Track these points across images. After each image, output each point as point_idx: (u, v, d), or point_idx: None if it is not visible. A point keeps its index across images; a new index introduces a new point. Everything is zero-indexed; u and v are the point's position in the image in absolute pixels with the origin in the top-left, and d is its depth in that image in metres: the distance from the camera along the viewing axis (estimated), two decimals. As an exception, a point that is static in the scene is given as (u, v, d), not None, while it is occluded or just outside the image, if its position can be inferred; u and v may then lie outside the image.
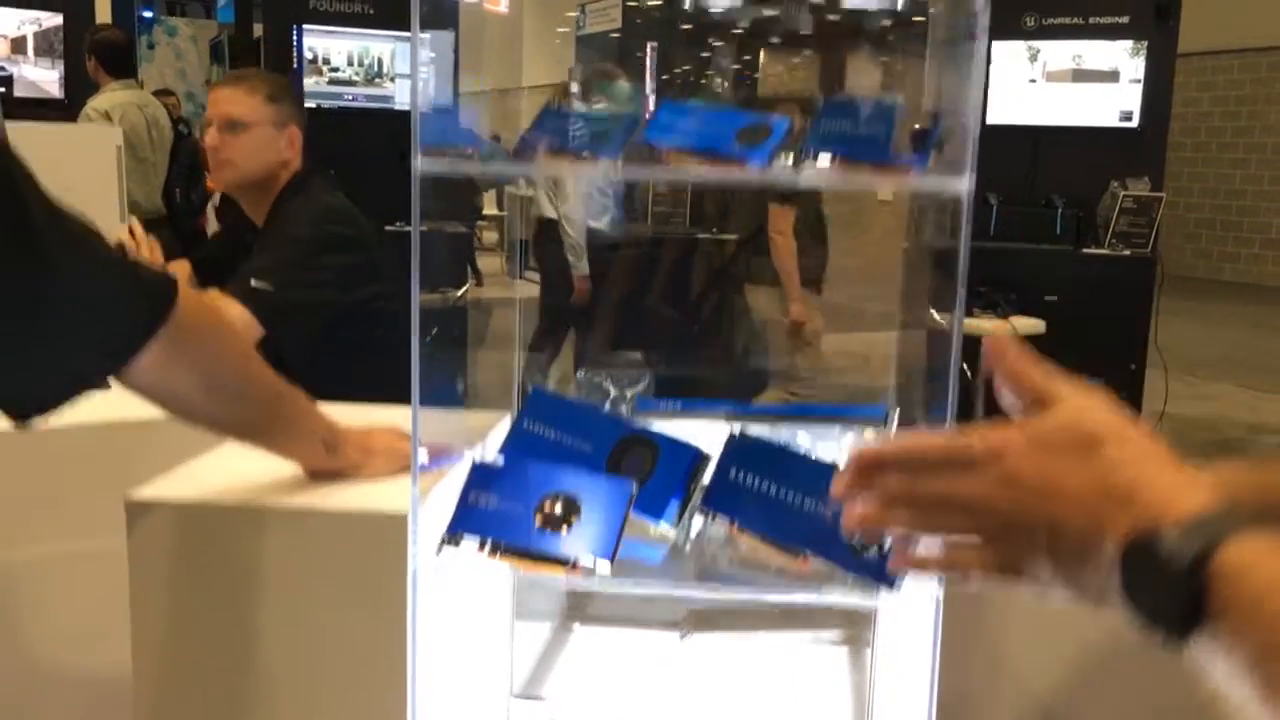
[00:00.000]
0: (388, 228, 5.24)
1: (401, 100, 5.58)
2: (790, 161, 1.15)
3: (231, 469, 1.20)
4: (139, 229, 2.34)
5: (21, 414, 0.93)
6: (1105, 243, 5.13)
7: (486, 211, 12.40)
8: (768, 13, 1.14)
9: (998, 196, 5.28)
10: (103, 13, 5.45)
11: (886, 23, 1.22)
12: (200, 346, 1.03)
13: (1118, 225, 5.10)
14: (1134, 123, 5.22)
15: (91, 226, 0.95)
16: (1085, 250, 5.15)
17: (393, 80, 5.59)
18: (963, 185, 1.00)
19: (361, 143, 5.26)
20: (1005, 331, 4.75)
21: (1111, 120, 5.25)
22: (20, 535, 1.51)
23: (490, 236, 13.26)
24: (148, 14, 17.77)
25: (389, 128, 5.18)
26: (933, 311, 1.27)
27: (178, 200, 4.98)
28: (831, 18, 1.13)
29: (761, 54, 1.40)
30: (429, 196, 1.17)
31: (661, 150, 1.25)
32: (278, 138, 2.32)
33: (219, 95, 2.35)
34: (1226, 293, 11.19)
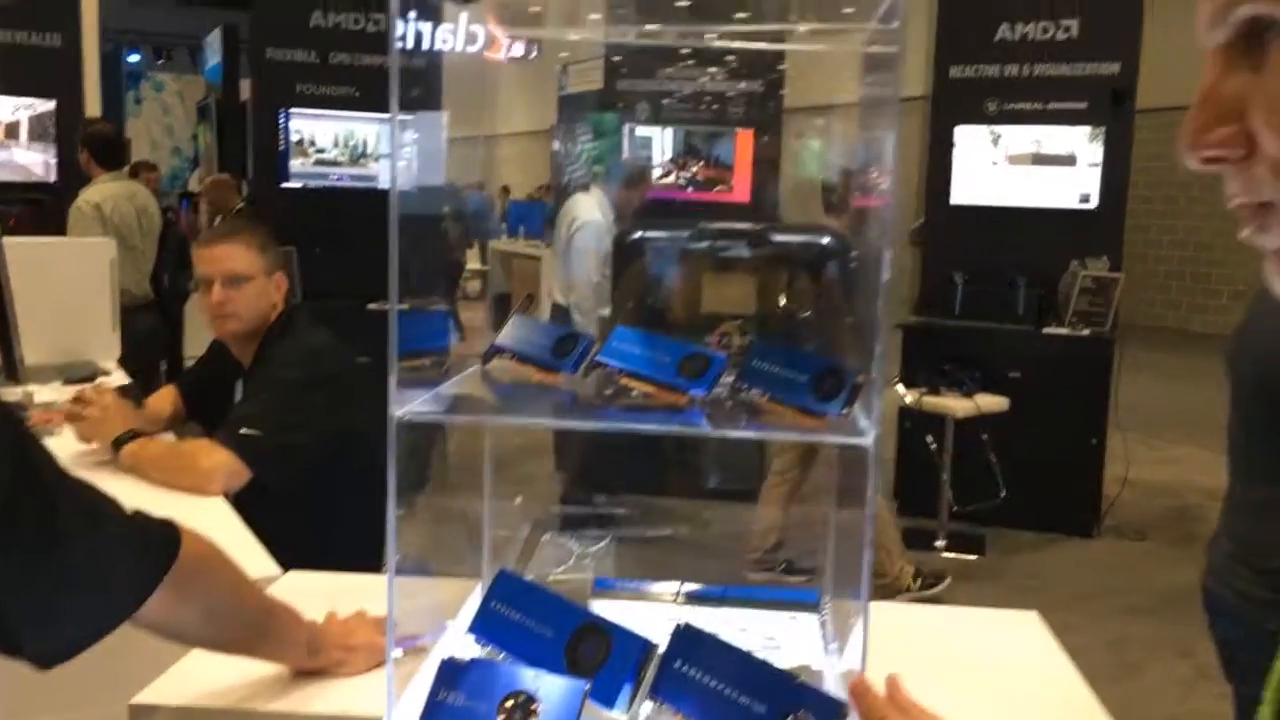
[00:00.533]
0: (370, 306, 5.41)
1: (386, 179, 5.73)
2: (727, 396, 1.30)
3: (225, 667, 1.33)
4: (96, 395, 2.47)
5: (45, 663, 1.06)
6: (1066, 321, 5.31)
7: (471, 265, 12.55)
8: (711, 239, 1.27)
9: (963, 276, 5.47)
10: (92, 96, 5.60)
11: (813, 254, 1.37)
12: (200, 585, 1.16)
13: (1077, 304, 5.29)
14: (1092, 204, 5.42)
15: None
16: (1046, 329, 5.33)
17: (377, 160, 5.75)
18: (868, 440, 1.15)
19: (346, 222, 5.41)
20: (970, 410, 4.91)
21: (1071, 202, 5.45)
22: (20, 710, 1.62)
23: (473, 286, 13.43)
24: (134, 58, 17.98)
25: (374, 207, 5.34)
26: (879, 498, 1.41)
27: (165, 285, 5.12)
28: (765, 249, 1.27)
29: (704, 277, 1.52)
30: (409, 276, 1.27)
31: (612, 372, 1.40)
32: (269, 285, 2.48)
33: (217, 252, 2.48)
34: (1194, 344, 11.42)
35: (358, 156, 5.71)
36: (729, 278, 1.44)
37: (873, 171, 1.36)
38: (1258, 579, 1.86)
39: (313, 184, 5.62)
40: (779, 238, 1.38)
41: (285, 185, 5.66)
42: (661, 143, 5.98)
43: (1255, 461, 1.97)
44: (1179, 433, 7.29)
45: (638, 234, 1.37)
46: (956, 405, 4.94)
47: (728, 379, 1.29)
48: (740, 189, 5.75)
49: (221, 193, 7.31)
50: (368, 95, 5.70)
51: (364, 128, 5.70)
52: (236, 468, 2.23)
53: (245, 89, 13.61)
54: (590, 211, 4.69)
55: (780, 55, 5.41)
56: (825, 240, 1.35)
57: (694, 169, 5.64)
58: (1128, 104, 5.30)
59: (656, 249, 1.40)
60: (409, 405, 1.27)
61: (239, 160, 11.17)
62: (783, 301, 1.44)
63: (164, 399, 2.79)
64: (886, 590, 4.32)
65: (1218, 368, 2.14)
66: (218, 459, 2.22)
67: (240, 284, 2.44)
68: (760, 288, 1.42)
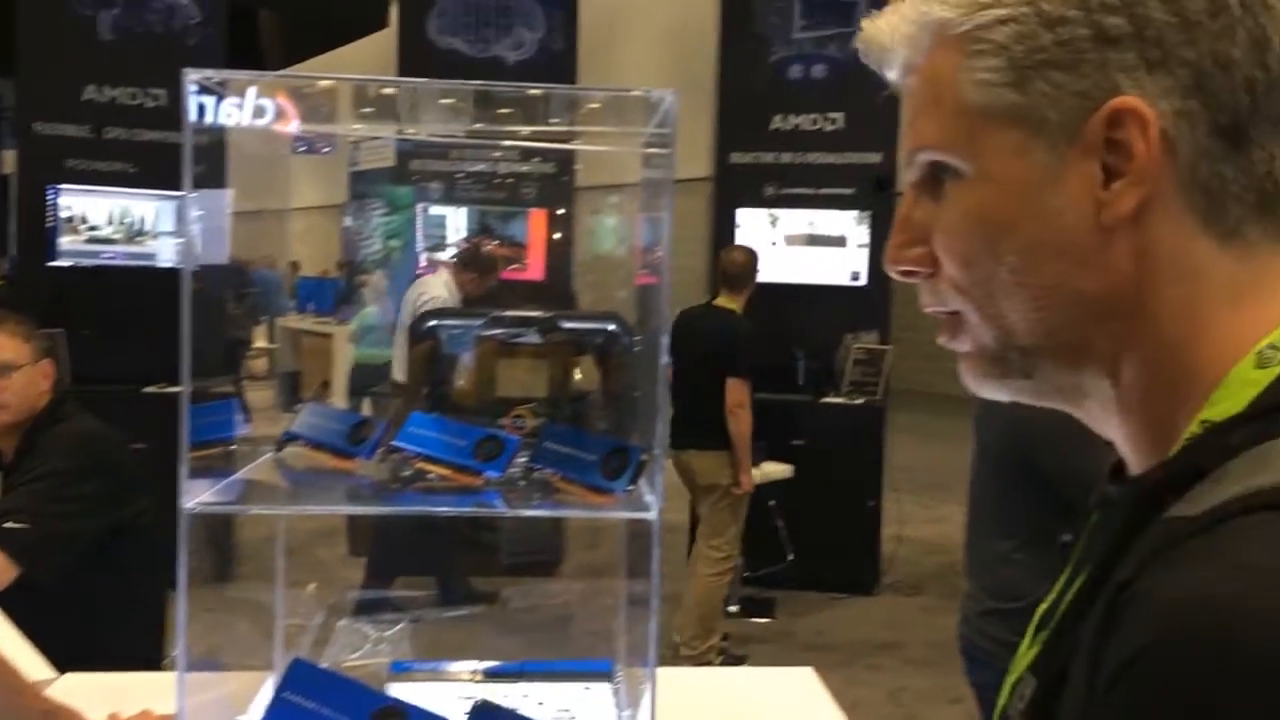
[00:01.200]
0: (146, 389, 5.17)
1: (164, 257, 5.53)
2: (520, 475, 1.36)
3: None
4: None
5: None
6: (842, 391, 5.66)
7: (257, 344, 12.13)
8: (504, 325, 1.33)
9: (747, 349, 5.75)
10: None
11: (599, 340, 1.46)
12: None
13: (852, 375, 5.65)
14: (862, 281, 5.82)
15: None
16: (824, 399, 5.66)
17: (155, 238, 5.53)
18: (652, 514, 1.24)
19: (120, 302, 5.18)
20: (756, 478, 5.14)
21: (843, 279, 5.84)
22: None
23: (259, 365, 12.96)
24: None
25: (152, 285, 5.13)
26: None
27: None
28: (555, 335, 1.34)
29: (497, 362, 1.56)
30: (196, 356, 1.27)
31: (409, 457, 1.43)
32: (37, 372, 2.38)
33: None
34: (960, 408, 12.30)
35: (134, 234, 5.48)
36: (521, 362, 1.51)
37: (655, 251, 1.47)
38: (1004, 624, 2.06)
39: (84, 262, 5.35)
40: (567, 325, 1.46)
41: (53, 264, 5.37)
42: (455, 221, 6.04)
43: (999, 516, 2.19)
44: (946, 492, 7.81)
45: (431, 321, 1.41)
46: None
47: (521, 460, 1.36)
48: (535, 267, 5.86)
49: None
50: (146, 171, 5.50)
51: (141, 204, 5.49)
52: (2, 564, 2.11)
53: (4, 161, 12.85)
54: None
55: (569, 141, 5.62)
56: (610, 326, 1.44)
57: (488, 248, 5.71)
58: (889, 190, 5.75)
59: (450, 333, 1.45)
60: (200, 496, 1.27)
61: (-1, 235, 10.41)
62: (572, 385, 1.52)
63: None
64: (694, 662, 4.44)
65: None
66: None
67: (9, 373, 2.33)
68: (550, 372, 1.50)
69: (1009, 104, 0.59)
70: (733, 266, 4.65)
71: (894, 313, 5.98)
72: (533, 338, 1.48)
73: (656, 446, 1.19)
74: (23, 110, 5.56)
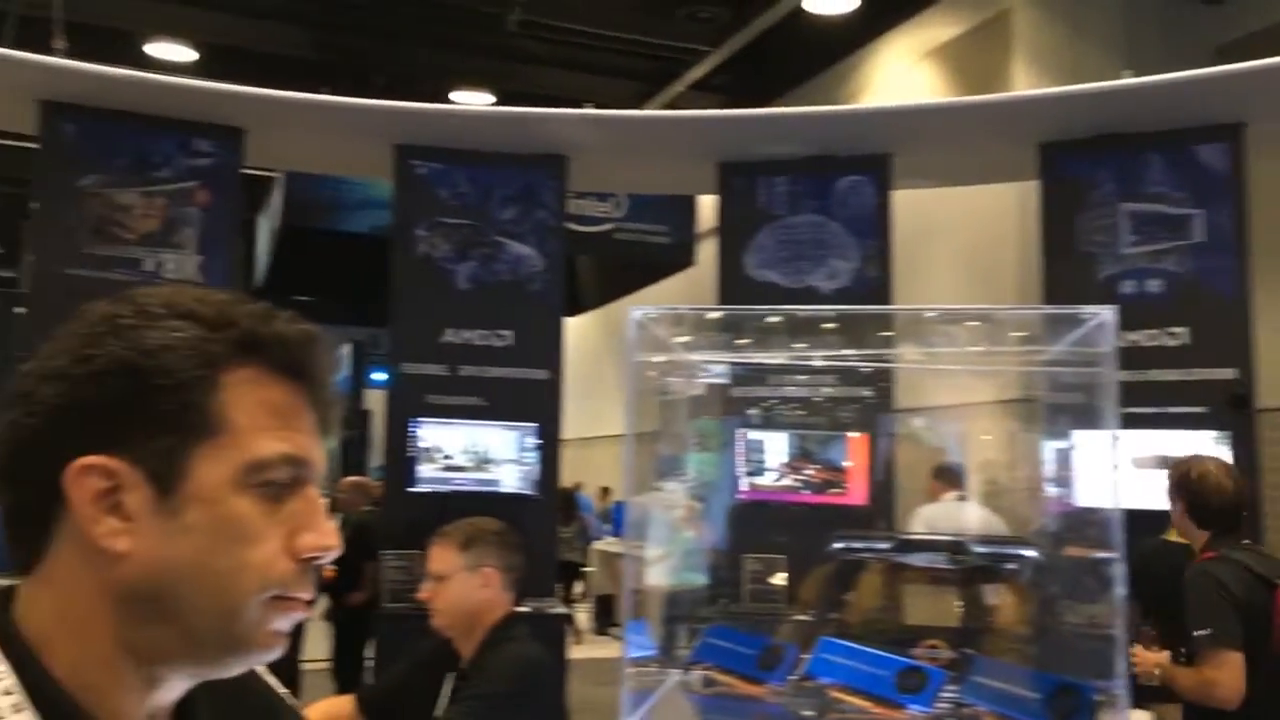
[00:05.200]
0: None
1: (506, 484, 5.91)
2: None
3: None
4: None
5: None
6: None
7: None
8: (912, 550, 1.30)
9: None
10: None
11: (1012, 565, 1.38)
12: None
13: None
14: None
15: None
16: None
17: (499, 465, 5.94)
18: (1118, 763, 1.12)
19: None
20: None
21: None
22: None
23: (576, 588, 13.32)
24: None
25: (498, 510, 5.46)
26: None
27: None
28: (965, 557, 1.29)
29: (905, 589, 1.54)
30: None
31: (824, 686, 1.39)
32: (471, 580, 2.58)
33: (430, 553, 2.67)
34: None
35: (482, 462, 5.92)
36: (930, 590, 1.45)
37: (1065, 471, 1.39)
38: None
39: (439, 488, 5.81)
40: (981, 549, 1.40)
41: (411, 489, 5.86)
42: (774, 446, 6.10)
43: None
44: None
45: (838, 543, 1.39)
46: None
47: (949, 693, 1.28)
48: (856, 491, 5.77)
49: (358, 493, 7.71)
50: (494, 404, 5.99)
51: (488, 434, 5.94)
52: None
53: (365, 399, 14.50)
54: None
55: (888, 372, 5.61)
56: (1028, 551, 1.36)
57: (809, 472, 5.71)
58: (1246, 407, 5.30)
59: (854, 555, 1.42)
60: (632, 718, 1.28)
61: (357, 463, 11.64)
62: (986, 614, 1.44)
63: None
64: None
65: None
66: None
67: (440, 582, 2.56)
68: (964, 600, 1.43)
69: None
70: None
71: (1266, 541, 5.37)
72: (942, 563, 1.43)
73: (1118, 688, 1.09)
74: (394, 354, 6.25)
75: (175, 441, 0.78)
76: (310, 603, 0.82)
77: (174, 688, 0.82)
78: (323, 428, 0.87)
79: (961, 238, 10.63)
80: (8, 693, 0.75)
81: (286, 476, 0.81)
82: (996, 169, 6.85)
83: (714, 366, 5.35)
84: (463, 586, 2.58)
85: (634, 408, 1.26)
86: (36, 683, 0.76)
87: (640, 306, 1.29)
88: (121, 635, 0.78)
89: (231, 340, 0.80)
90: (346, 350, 12.21)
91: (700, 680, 1.46)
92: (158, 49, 11.25)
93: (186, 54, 11.33)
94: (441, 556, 2.62)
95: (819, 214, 6.32)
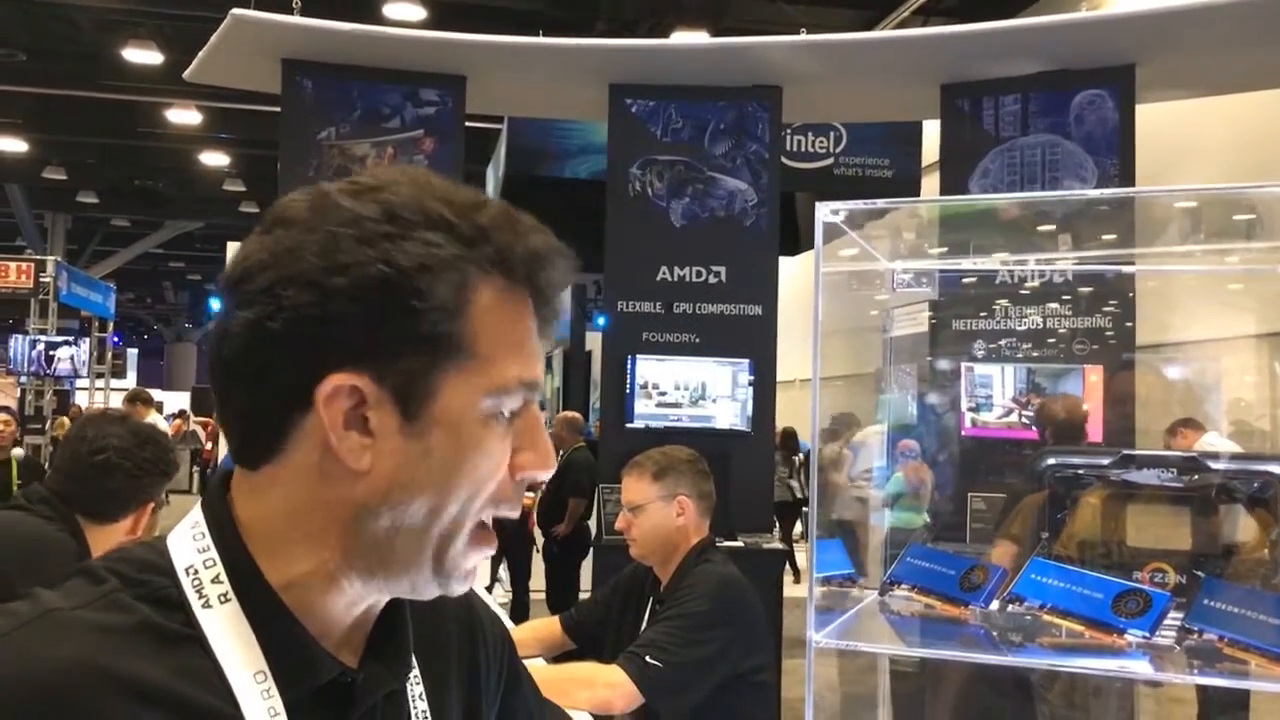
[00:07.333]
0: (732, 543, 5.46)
1: (721, 420, 5.91)
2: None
3: None
4: None
5: None
6: None
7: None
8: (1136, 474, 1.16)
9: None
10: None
11: (1257, 485, 1.23)
12: None
13: None
14: None
15: None
16: None
17: (714, 402, 5.95)
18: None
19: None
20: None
21: None
22: None
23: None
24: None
25: (711, 447, 5.48)
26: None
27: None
28: (1199, 480, 1.14)
29: (1126, 509, 1.41)
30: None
31: (1032, 608, 1.29)
32: (667, 509, 2.59)
33: (623, 484, 2.69)
34: None
35: (696, 399, 5.94)
36: (1157, 510, 1.32)
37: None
38: None
39: (654, 424, 5.88)
40: (1217, 466, 1.26)
41: (629, 425, 5.96)
42: (1001, 381, 5.80)
43: None
44: None
45: (1049, 460, 1.28)
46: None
47: (1174, 619, 1.16)
48: (1090, 429, 5.42)
49: (570, 429, 7.96)
50: (708, 341, 5.99)
51: (702, 370, 5.95)
52: (629, 690, 2.27)
53: (587, 340, 14.89)
54: None
55: (1130, 285, 5.20)
56: (1275, 468, 1.21)
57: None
58: None
59: (1068, 476, 1.30)
60: (822, 633, 1.23)
61: (580, 403, 12.01)
62: (1222, 537, 1.30)
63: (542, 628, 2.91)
64: None
65: None
66: (612, 677, 2.28)
67: (636, 512, 2.59)
68: (1197, 523, 1.29)
69: None
70: None
71: None
72: (1171, 482, 1.29)
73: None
74: (610, 292, 6.34)
75: (425, 363, 0.76)
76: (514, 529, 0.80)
77: (379, 602, 0.83)
78: (546, 343, 0.85)
79: (1219, 159, 9.70)
80: (216, 580, 0.77)
81: (521, 400, 0.80)
82: (1264, 74, 6.16)
83: (943, 274, 5.14)
84: (658, 515, 2.59)
85: (818, 333, 1.19)
86: (244, 573, 0.77)
87: (829, 204, 1.22)
88: (349, 548, 0.78)
89: (485, 258, 0.78)
90: (566, 295, 12.59)
91: (899, 601, 1.39)
92: (392, 10, 11.76)
93: (417, 12, 11.79)
94: (635, 487, 2.63)
95: (1052, 133, 5.91)
